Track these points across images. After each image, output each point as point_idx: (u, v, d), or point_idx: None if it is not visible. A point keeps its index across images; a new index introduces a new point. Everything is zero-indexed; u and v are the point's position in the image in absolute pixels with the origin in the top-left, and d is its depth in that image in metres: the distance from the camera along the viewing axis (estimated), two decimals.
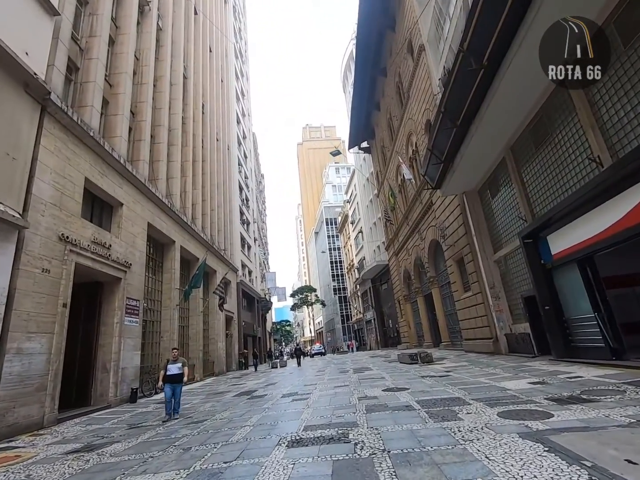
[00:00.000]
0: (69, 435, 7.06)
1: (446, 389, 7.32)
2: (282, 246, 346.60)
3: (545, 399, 5.45)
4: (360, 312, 50.12)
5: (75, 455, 5.35)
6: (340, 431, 4.77)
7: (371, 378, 10.75)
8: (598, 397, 5.15)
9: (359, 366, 15.98)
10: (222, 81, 30.39)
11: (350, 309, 64.63)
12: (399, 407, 5.92)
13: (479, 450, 3.49)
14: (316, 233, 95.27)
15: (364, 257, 44.56)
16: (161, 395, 12.36)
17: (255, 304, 34.24)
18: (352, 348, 46.74)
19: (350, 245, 54.59)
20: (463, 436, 4.01)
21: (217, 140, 26.95)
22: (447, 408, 5.53)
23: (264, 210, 69.66)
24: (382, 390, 8.05)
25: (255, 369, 20.39)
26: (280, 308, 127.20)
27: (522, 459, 3.17)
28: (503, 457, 3.25)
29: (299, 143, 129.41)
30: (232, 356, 24.71)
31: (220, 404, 9.09)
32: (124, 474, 4.13)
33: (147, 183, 13.76)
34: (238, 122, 36.37)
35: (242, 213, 32.90)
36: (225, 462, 4.02)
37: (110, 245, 10.89)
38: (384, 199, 32.75)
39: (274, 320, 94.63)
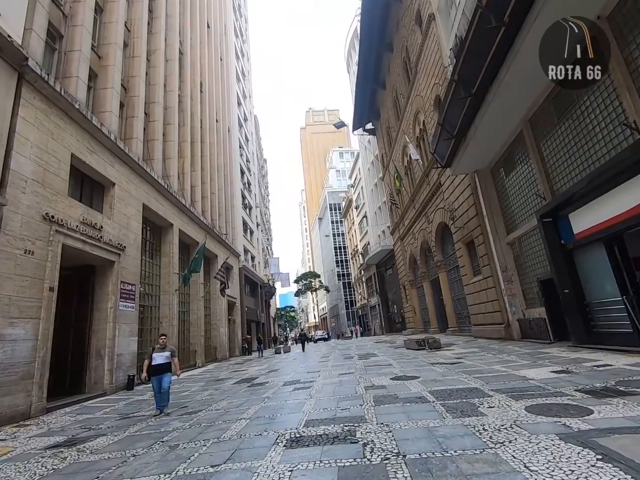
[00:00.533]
0: (56, 426, 6.61)
1: (460, 377, 6.75)
2: (286, 233, 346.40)
3: (576, 390, 4.84)
4: (364, 297, 49.77)
5: (54, 451, 4.86)
6: (347, 428, 4.20)
7: (377, 365, 10.23)
8: (639, 389, 4.53)
9: (364, 352, 15.52)
10: (221, 60, 29.24)
11: (354, 294, 64.41)
12: (411, 399, 5.35)
13: (514, 457, 2.89)
14: (320, 219, 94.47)
15: (369, 242, 43.88)
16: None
17: (258, 289, 33.88)
18: (356, 334, 46.69)
19: (355, 231, 53.85)
20: (491, 437, 3.42)
21: (217, 121, 26.04)
22: (465, 400, 4.95)
23: (267, 195, 68.84)
24: (390, 378, 7.50)
25: (260, 355, 20.08)
26: (284, 294, 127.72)
27: (572, 470, 2.56)
28: (547, 468, 2.64)
29: (302, 127, 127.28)
30: (236, 342, 24.44)
31: (219, 392, 8.63)
32: (97, 477, 3.61)
33: (142, 162, 13.07)
34: (239, 103, 35.27)
35: (243, 197, 32.19)
36: (212, 466, 3.47)
37: (101, 227, 10.30)
38: (389, 181, 31.83)
39: (278, 306, 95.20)
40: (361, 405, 5.29)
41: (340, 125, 27.88)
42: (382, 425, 4.16)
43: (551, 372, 6.35)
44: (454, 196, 16.79)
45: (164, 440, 4.71)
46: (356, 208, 50.74)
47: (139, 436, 5.18)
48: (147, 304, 14.03)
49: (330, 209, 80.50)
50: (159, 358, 6.61)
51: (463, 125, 11.68)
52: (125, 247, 11.40)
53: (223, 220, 24.62)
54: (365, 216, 45.13)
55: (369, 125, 38.38)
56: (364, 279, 48.94)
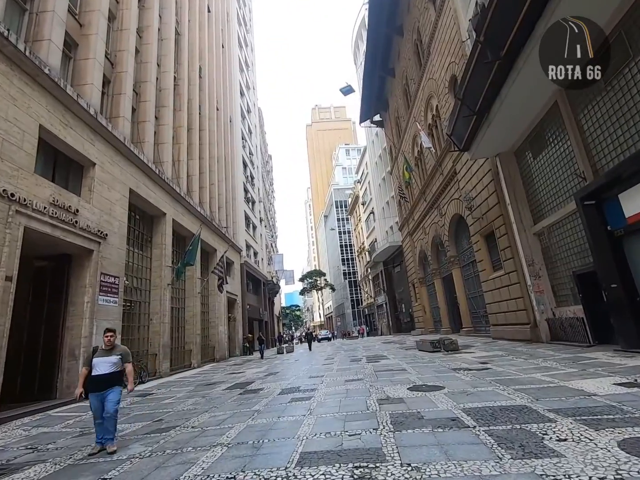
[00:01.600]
0: None
1: (497, 389, 5.41)
2: (292, 232, 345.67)
3: None
4: (371, 296, 48.37)
5: None
6: (358, 471, 2.90)
7: (389, 370, 8.91)
8: None
9: (373, 354, 14.20)
10: (222, 47, 28.04)
11: (360, 293, 63.02)
12: (442, 421, 4.04)
13: None
14: (325, 217, 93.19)
15: (376, 239, 42.47)
16: (144, 386, 10.87)
17: (261, 286, 32.70)
18: (362, 333, 45.38)
19: (361, 228, 52.45)
20: None
21: (218, 109, 24.85)
22: (519, 427, 3.62)
23: (272, 192, 67.73)
24: (408, 388, 6.19)
25: (262, 356, 18.83)
26: (290, 293, 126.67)
27: None
28: None
29: (308, 125, 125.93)
30: (236, 341, 23.26)
31: (205, 401, 7.39)
32: None
33: (129, 144, 11.89)
34: (242, 94, 34.08)
35: (246, 191, 31.01)
36: None
37: (77, 211, 9.12)
38: (398, 174, 30.41)
39: (283, 305, 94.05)
40: (375, 429, 3.99)
41: (347, 90, 26.25)
42: (408, 468, 2.86)
43: (615, 384, 4.98)
44: (471, 184, 15.37)
45: (107, 479, 3.46)
46: (363, 204, 49.33)
47: (76, 468, 3.92)
48: (136, 298, 12.87)
49: (336, 206, 79.15)
50: (101, 365, 4.42)
51: (487, 99, 10.29)
52: (106, 234, 10.22)
53: (223, 214, 23.44)
54: (372, 212, 43.71)
55: (377, 117, 37.01)
56: (370, 277, 47.55)
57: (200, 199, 19.56)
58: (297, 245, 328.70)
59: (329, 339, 41.66)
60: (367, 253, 48.04)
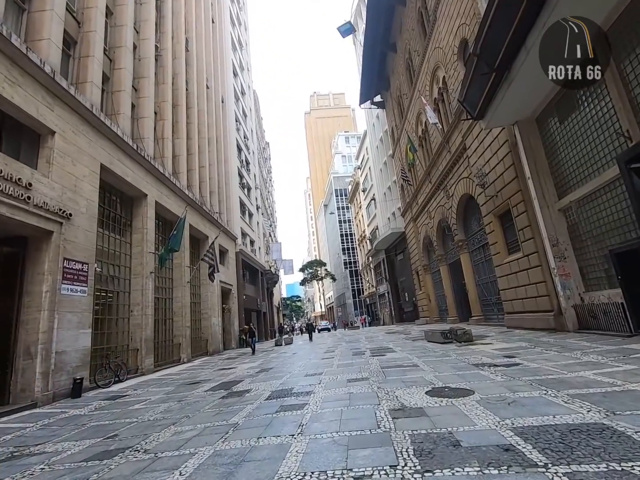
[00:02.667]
0: None
1: (544, 395, 4.13)
2: (293, 224, 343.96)
3: None
4: (372, 285, 47.22)
5: None
6: None
7: (399, 366, 7.65)
8: None
9: (377, 346, 12.98)
10: (212, 22, 26.27)
11: (361, 282, 61.93)
12: (490, 453, 2.74)
13: None
14: (325, 206, 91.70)
15: (377, 226, 41.12)
16: (120, 386, 9.64)
17: (259, 276, 31.46)
18: (363, 323, 44.49)
19: (362, 216, 51.03)
20: None
21: (208, 87, 23.24)
22: (618, 467, 2.32)
23: (270, 180, 66.15)
24: (427, 392, 4.91)
25: (253, 352, 17.25)
26: (291, 284, 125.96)
27: None
28: None
29: (307, 112, 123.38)
30: (232, 333, 22.11)
31: (178, 408, 6.13)
32: None
33: (99, 113, 10.44)
34: (235, 74, 32.33)
35: (241, 176, 29.53)
36: None
37: (29, 184, 7.75)
38: (401, 156, 28.93)
39: (284, 296, 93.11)
40: (394, 466, 2.69)
41: (346, 30, 24.34)
42: None
43: None
44: (483, 159, 13.94)
45: None
46: (363, 191, 47.84)
47: None
48: (113, 288, 11.59)
49: (336, 195, 77.64)
50: None
51: (509, 51, 8.83)
52: (71, 214, 8.87)
53: (216, 199, 22.04)
54: (373, 199, 42.24)
55: (378, 98, 35.28)
56: (372, 266, 46.31)
57: (189, 181, 18.14)
58: (297, 237, 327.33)
59: (328, 330, 41.90)
60: (368, 241, 46.73)
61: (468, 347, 9.76)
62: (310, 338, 23.71)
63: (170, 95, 16.61)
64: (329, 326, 45.23)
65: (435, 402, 4.37)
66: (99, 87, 11.03)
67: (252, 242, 30.99)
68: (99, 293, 10.60)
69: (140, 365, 11.54)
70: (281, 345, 21.48)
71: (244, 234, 28.39)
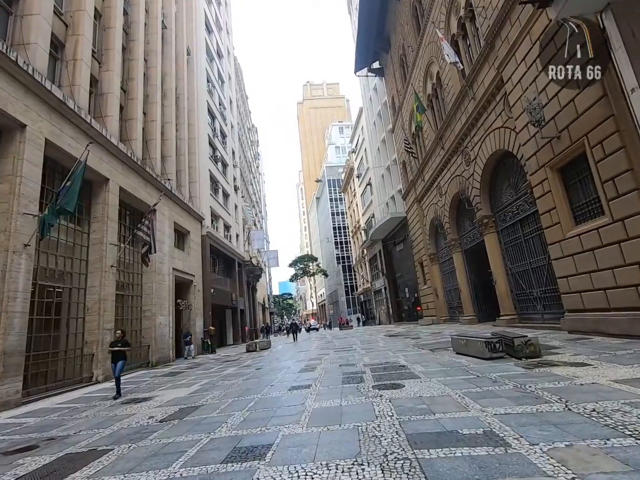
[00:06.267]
0: None
1: None
2: (284, 223, 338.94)
3: None
4: (367, 280, 42.84)
5: None
6: None
7: (445, 433, 3.11)
8: None
9: (380, 360, 8.48)
10: None
11: (355, 279, 57.59)
12: None
13: None
14: (317, 198, 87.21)
15: (373, 214, 36.71)
16: (41, 405, 5.02)
17: (235, 267, 26.79)
18: (348, 322, 40.62)
19: (356, 205, 46.61)
20: None
21: (165, 28, 18.53)
22: None
23: (258, 167, 61.42)
24: None
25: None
26: (283, 282, 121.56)
27: None
28: None
29: (299, 102, 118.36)
30: (192, 336, 17.45)
31: None
32: None
33: None
34: (210, 30, 27.53)
35: (214, 148, 24.79)
36: None
37: None
38: (403, 126, 24.47)
39: (276, 294, 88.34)
40: None
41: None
42: None
43: None
44: (536, 87, 9.49)
45: None
46: (358, 177, 43.38)
47: None
48: (63, 284, 6.92)
49: (329, 186, 73.18)
50: None
51: None
52: None
53: (172, 166, 17.36)
54: (369, 183, 37.80)
55: (376, 65, 30.80)
56: (367, 259, 41.93)
57: (127, 134, 13.48)
58: (289, 236, 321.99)
59: (317, 330, 43.05)
60: (362, 232, 42.33)
61: (542, 368, 5.40)
62: (295, 338, 22.50)
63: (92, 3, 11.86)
64: (317, 326, 46.92)
65: None
66: None
67: (227, 228, 26.29)
68: None
69: None
70: (255, 350, 16.95)
71: (215, 216, 23.70)
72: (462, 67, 14.31)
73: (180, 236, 18.02)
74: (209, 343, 18.13)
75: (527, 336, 6.98)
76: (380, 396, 4.90)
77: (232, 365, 11.74)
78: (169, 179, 16.04)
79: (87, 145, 8.80)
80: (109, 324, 10.77)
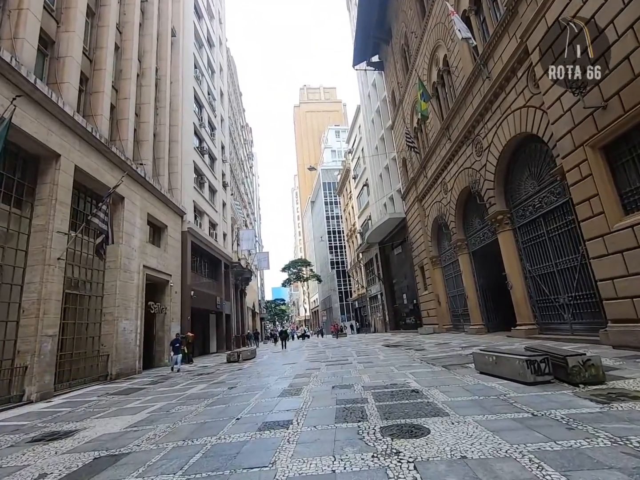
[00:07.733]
0: None
1: None
2: (279, 227, 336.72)
3: None
4: (362, 286, 40.99)
5: None
6: None
7: None
8: None
9: (385, 380, 6.59)
10: None
11: (350, 284, 55.69)
12: None
13: None
14: (312, 202, 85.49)
15: (369, 216, 35.05)
16: None
17: (222, 269, 24.79)
18: (342, 329, 37.71)
19: (352, 207, 44.96)
20: None
21: (146, 0, 16.79)
22: None
23: (251, 168, 59.66)
24: None
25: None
26: (277, 288, 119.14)
27: None
28: None
29: (296, 105, 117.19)
30: (164, 344, 15.42)
31: None
32: None
33: None
34: (200, 16, 25.86)
35: (200, 139, 22.94)
36: None
37: None
38: (404, 119, 22.88)
39: (269, 299, 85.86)
40: None
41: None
42: None
43: None
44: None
45: None
46: (354, 178, 41.76)
47: None
48: None
49: (324, 189, 71.65)
50: None
51: None
52: None
53: (148, 150, 15.48)
54: (366, 184, 36.19)
55: (375, 58, 29.35)
56: (362, 264, 40.13)
57: (91, 108, 11.63)
58: (284, 243, 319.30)
59: (308, 337, 43.14)
60: (358, 235, 40.59)
61: (623, 403, 3.58)
62: (284, 346, 22.34)
63: None
64: (308, 334, 48.26)
65: None
66: None
67: (213, 225, 24.33)
68: None
69: None
70: (235, 361, 14.97)
71: (200, 212, 21.76)
72: (474, 43, 12.72)
73: (156, 230, 16.07)
74: (185, 351, 16.07)
75: (584, 354, 5.21)
76: (397, 453, 3.06)
77: (203, 380, 9.79)
78: (141, 164, 14.13)
79: (13, 100, 6.90)
80: (51, 330, 8.79)
